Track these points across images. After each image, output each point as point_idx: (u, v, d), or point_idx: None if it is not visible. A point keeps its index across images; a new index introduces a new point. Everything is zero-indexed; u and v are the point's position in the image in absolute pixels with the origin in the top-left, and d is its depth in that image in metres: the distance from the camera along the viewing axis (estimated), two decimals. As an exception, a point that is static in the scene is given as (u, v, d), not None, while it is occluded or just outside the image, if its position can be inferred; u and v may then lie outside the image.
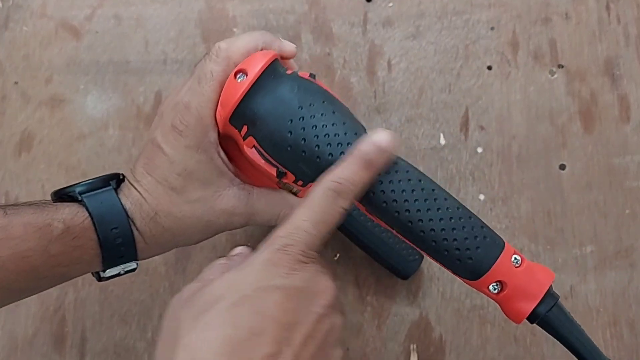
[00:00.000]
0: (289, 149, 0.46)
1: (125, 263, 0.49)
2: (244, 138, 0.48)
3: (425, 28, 0.69)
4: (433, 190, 0.44)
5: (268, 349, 0.37)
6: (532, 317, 0.44)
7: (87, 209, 0.47)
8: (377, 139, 0.44)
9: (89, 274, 0.50)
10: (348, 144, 0.45)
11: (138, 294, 0.63)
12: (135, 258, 0.49)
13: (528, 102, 0.67)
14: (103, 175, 0.50)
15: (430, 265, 0.62)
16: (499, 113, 0.66)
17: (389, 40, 0.69)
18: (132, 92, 0.68)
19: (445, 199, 0.44)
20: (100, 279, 0.50)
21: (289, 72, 0.49)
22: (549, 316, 0.43)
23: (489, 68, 0.68)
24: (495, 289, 0.43)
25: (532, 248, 0.63)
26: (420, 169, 0.66)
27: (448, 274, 0.64)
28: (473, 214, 0.44)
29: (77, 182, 0.49)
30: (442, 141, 0.66)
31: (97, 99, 0.68)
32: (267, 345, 0.38)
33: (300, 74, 0.49)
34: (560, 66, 0.68)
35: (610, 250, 0.63)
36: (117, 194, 0.48)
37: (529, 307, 0.43)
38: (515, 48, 0.68)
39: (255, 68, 0.47)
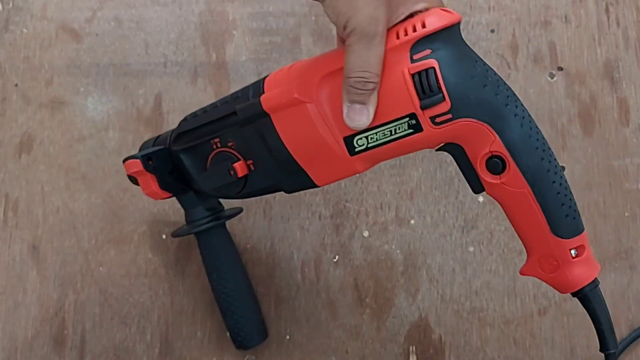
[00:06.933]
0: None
1: None
2: None
3: (425, 30, 0.69)
4: None
5: None
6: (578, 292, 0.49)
7: None
8: None
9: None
10: None
11: (137, 296, 0.63)
12: None
13: (528, 104, 0.66)
14: None
15: (429, 267, 0.62)
16: (498, 115, 0.66)
17: (388, 42, 0.69)
18: (132, 94, 0.68)
19: None
20: None
21: None
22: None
23: (489, 70, 0.68)
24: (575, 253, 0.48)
25: (531, 250, 0.63)
26: (420, 171, 0.66)
27: (447, 275, 0.64)
28: None
29: None
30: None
31: (97, 101, 0.68)
32: None
33: None
34: (560, 69, 0.68)
35: (610, 251, 0.63)
36: None
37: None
38: (515, 51, 0.68)
39: None
